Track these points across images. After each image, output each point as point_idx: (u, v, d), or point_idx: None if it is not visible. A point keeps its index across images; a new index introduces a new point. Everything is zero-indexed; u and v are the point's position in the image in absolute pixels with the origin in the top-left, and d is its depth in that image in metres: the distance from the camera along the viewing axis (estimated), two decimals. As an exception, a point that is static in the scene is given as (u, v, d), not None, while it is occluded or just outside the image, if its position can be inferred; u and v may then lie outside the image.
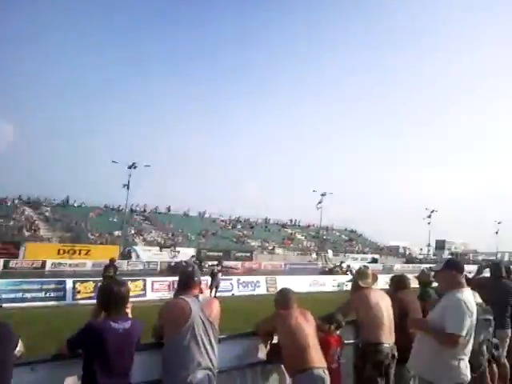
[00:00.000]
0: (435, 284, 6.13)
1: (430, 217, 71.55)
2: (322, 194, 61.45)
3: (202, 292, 3.63)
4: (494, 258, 67.75)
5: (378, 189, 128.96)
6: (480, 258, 74.88)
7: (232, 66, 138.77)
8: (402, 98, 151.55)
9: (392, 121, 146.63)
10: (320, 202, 61.65)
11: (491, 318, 4.96)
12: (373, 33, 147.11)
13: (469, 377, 3.50)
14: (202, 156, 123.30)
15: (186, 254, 43.55)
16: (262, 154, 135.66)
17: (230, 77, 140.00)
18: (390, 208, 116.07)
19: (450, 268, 3.65)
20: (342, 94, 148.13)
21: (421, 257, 72.65)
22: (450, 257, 76.29)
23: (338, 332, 4.47)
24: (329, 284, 26.23)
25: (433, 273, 5.70)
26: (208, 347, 3.34)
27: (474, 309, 3.53)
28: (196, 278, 3.60)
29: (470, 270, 8.87)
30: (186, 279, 3.61)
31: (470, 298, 3.54)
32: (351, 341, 4.75)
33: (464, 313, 3.41)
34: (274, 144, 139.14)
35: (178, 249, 47.15)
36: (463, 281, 3.65)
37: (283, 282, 21.83)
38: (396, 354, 4.46)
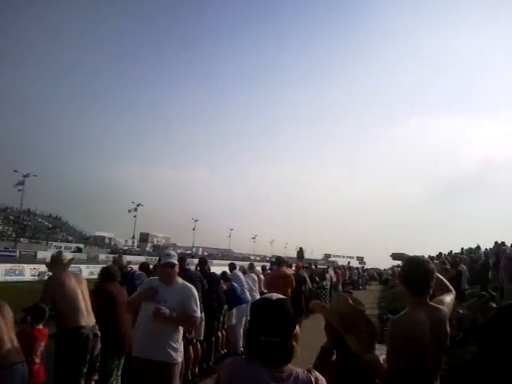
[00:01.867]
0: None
1: (136, 210, 74.02)
2: (25, 176, 55.93)
3: None
4: (191, 251, 75.20)
5: (84, 176, 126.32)
6: (179, 251, 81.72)
7: None
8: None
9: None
10: (21, 184, 55.87)
11: None
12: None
13: None
14: None
15: None
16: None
17: None
18: (98, 198, 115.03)
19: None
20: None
21: (126, 248, 74.22)
22: (152, 249, 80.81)
23: (41, 325, 4.30)
24: (28, 273, 24.17)
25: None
26: None
27: None
28: None
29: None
30: None
31: None
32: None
33: None
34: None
35: None
36: None
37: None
38: (99, 332, 4.62)
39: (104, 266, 5.93)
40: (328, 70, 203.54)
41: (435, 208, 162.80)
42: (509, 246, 16.49)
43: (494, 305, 8.73)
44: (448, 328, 2.54)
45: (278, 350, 1.73)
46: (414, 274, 2.56)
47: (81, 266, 25.99)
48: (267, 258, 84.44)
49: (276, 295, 1.87)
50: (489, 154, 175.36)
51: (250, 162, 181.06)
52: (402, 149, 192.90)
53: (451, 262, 11.61)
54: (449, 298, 2.70)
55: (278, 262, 10.36)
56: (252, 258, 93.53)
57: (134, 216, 74.62)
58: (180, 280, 4.13)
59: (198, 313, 4.05)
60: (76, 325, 4.42)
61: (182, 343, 4.06)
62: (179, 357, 3.94)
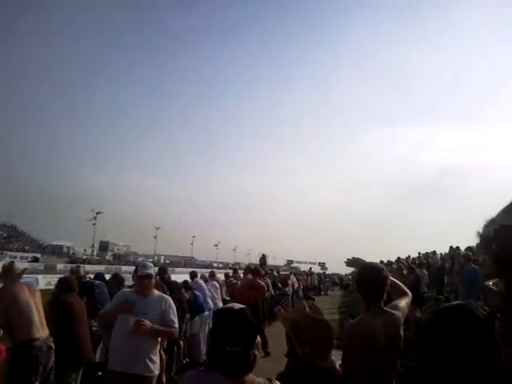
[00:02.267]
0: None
1: (95, 218, 72.55)
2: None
3: None
4: (152, 260, 73.99)
5: (43, 182, 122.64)
6: (140, 259, 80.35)
7: None
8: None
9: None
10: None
11: None
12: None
13: None
14: None
15: None
16: None
17: None
18: (57, 205, 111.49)
19: None
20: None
21: (85, 257, 72.30)
22: (112, 258, 79.07)
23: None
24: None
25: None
26: None
27: None
28: None
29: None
30: None
31: None
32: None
33: None
34: None
35: None
36: None
37: None
38: (53, 344, 4.51)
39: (62, 276, 5.77)
40: (291, 78, 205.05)
41: (394, 214, 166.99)
42: (463, 250, 17.08)
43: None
44: (402, 332, 2.63)
45: (240, 360, 1.74)
46: (368, 282, 2.66)
47: (38, 276, 25.04)
48: (230, 265, 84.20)
49: (237, 305, 1.89)
50: (445, 162, 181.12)
51: (212, 168, 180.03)
52: (363, 157, 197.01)
53: (408, 267, 11.93)
54: (404, 302, 2.79)
55: (254, 271, 10.05)
56: (215, 265, 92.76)
57: (94, 224, 73.19)
58: (156, 291, 4.12)
59: (177, 324, 4.05)
60: (29, 337, 4.30)
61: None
62: (156, 369, 3.92)
